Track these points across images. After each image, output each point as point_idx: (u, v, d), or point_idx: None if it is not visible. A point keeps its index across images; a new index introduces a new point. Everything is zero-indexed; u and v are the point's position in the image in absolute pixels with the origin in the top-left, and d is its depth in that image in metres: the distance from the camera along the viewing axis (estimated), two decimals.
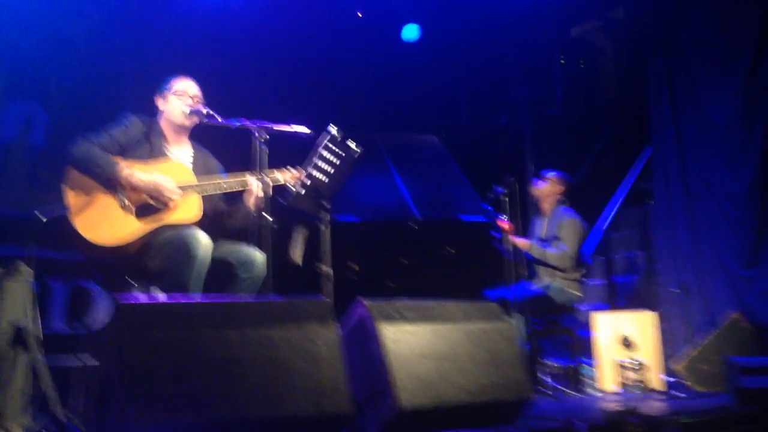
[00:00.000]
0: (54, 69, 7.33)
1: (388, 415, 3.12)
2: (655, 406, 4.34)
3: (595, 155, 9.79)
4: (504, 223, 5.69)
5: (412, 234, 5.52)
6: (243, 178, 4.38)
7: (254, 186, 4.34)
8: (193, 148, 4.62)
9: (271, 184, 4.22)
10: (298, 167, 4.40)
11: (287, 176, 4.45)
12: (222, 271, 4.23)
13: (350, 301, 3.49)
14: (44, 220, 4.01)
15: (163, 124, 4.51)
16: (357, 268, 5.36)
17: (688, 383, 5.36)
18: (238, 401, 2.76)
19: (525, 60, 9.89)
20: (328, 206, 4.25)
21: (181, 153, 4.53)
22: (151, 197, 4.18)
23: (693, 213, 6.85)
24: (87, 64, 7.46)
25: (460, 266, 5.69)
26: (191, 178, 4.35)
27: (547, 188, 6.50)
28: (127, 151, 4.30)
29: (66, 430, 3.11)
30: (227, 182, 4.39)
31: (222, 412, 2.72)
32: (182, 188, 4.25)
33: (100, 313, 6.61)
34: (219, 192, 4.40)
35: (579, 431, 2.87)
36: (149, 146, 4.38)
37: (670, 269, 7.00)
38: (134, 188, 4.14)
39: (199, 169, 4.50)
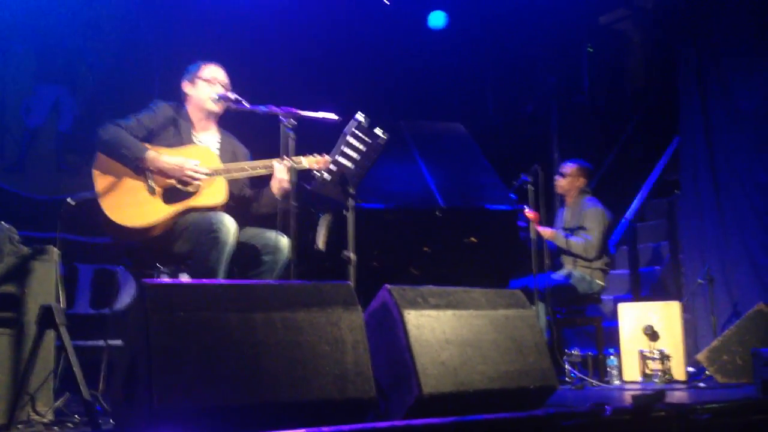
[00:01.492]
0: (83, 55, 7.40)
1: (411, 401, 3.13)
2: (678, 396, 4.32)
3: (621, 144, 9.73)
4: (529, 212, 5.67)
5: (437, 222, 5.50)
6: (267, 162, 4.40)
7: (278, 170, 4.35)
8: (221, 134, 4.64)
9: (296, 168, 4.23)
10: (324, 154, 4.41)
11: (312, 161, 4.46)
12: (246, 255, 4.27)
13: (373, 288, 3.49)
14: (73, 203, 4.05)
15: (191, 109, 4.54)
16: (380, 254, 5.36)
17: (711, 374, 5.33)
18: (262, 383, 2.78)
19: (552, 47, 9.82)
20: (353, 192, 4.25)
21: (208, 138, 4.56)
22: (177, 179, 4.21)
23: (720, 204, 6.80)
24: (115, 50, 7.51)
25: (484, 255, 5.66)
26: (217, 163, 4.38)
27: (567, 182, 6.45)
28: (154, 135, 4.34)
29: (92, 410, 3.15)
30: (251, 165, 4.41)
31: (246, 394, 2.73)
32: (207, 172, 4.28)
33: (125, 295, 6.69)
34: (243, 175, 4.42)
35: (604, 414, 2.86)
36: (177, 131, 4.41)
37: (696, 260, 6.96)
38: (160, 170, 4.17)
39: (227, 155, 4.53)
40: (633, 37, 10.19)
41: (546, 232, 6.06)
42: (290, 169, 4.02)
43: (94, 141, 4.18)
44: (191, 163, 4.22)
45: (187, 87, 4.55)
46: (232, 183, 4.42)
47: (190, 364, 2.67)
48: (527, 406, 3.42)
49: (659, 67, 9.44)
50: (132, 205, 4.09)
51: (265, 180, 4.51)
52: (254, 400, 2.74)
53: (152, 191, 4.16)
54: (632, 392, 3.33)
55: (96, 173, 4.14)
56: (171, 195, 4.20)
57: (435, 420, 2.77)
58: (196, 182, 4.23)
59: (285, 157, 4.03)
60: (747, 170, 6.65)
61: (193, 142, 4.45)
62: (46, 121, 7.24)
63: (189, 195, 4.23)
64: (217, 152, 4.50)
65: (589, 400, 3.25)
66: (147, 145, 4.22)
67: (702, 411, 3.09)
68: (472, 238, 5.62)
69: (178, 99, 4.58)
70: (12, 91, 7.08)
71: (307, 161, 4.47)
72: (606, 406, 2.92)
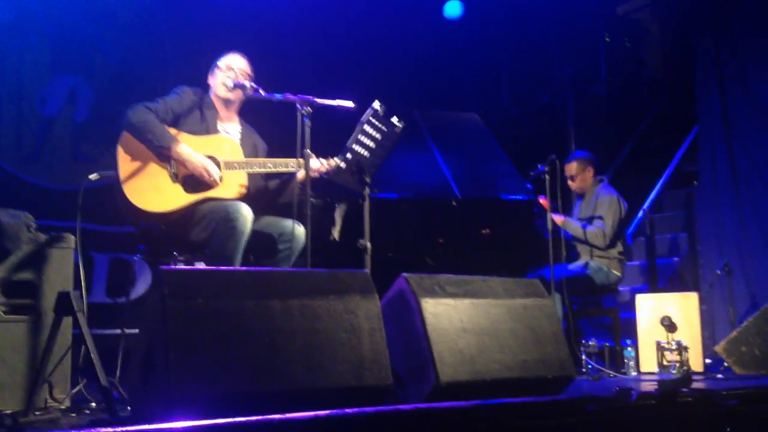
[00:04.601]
0: (98, 45, 7.40)
1: (429, 389, 3.12)
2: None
3: (639, 135, 9.66)
4: (541, 199, 5.60)
5: (452, 212, 5.49)
6: (287, 161, 4.38)
7: (299, 172, 4.35)
8: (242, 125, 4.66)
9: (314, 168, 4.24)
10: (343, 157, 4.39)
11: (332, 164, 4.44)
12: (263, 243, 4.28)
13: (388, 278, 3.47)
14: (97, 177, 4.04)
15: (213, 98, 4.56)
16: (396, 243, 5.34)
17: (729, 365, 5.29)
18: (279, 371, 2.77)
19: (569, 38, 9.76)
20: (369, 181, 4.24)
21: (231, 128, 4.57)
22: (196, 175, 4.21)
23: (738, 194, 6.75)
24: (131, 40, 7.52)
25: (500, 245, 5.64)
26: (240, 156, 4.39)
27: (578, 179, 6.34)
28: (180, 120, 4.36)
29: (109, 397, 3.15)
30: (273, 162, 4.40)
31: (263, 381, 2.74)
32: (229, 164, 4.29)
33: (141, 285, 6.70)
34: (264, 171, 4.43)
35: (629, 399, 2.84)
36: (202, 118, 4.43)
37: (714, 251, 6.92)
38: (183, 163, 4.17)
39: (247, 147, 4.55)
40: (651, 27, 10.12)
41: (558, 219, 6.00)
42: (306, 157, 4.01)
43: (122, 121, 4.17)
44: (211, 166, 4.21)
45: (209, 78, 4.59)
46: (250, 175, 4.42)
47: (207, 350, 2.67)
48: (545, 396, 3.40)
49: (677, 56, 9.39)
50: (153, 190, 4.10)
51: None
52: (271, 386, 2.74)
53: (174, 178, 4.17)
54: (654, 381, 3.31)
55: (120, 152, 4.13)
56: (192, 183, 4.21)
57: (458, 403, 2.76)
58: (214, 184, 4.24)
59: (303, 153, 4.02)
60: (766, 161, 6.60)
61: (219, 132, 4.46)
62: (61, 112, 7.25)
63: (209, 185, 4.23)
64: (239, 143, 4.51)
65: (606, 390, 3.23)
66: (173, 131, 4.23)
67: (729, 397, 3.05)
68: (487, 230, 5.59)
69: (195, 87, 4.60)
70: (28, 81, 7.09)
71: (327, 163, 4.46)
72: (632, 391, 2.90)
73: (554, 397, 3.13)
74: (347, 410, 2.52)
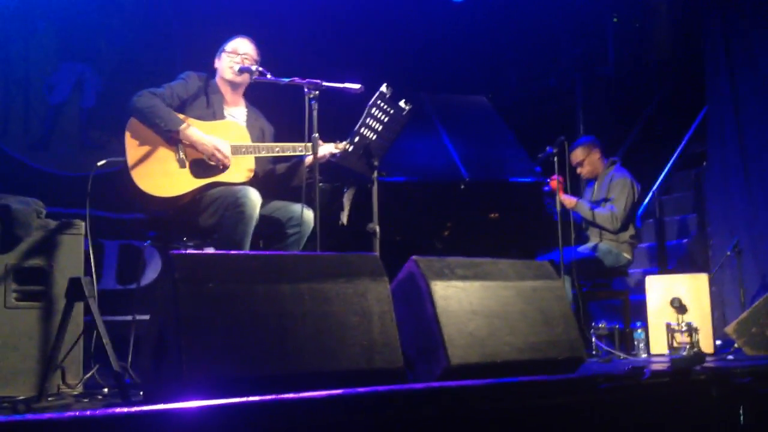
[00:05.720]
0: (105, 31, 7.40)
1: (439, 371, 3.12)
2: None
3: (647, 116, 9.62)
4: (553, 179, 5.56)
5: (461, 194, 5.48)
6: (295, 145, 4.38)
7: (323, 149, 4.34)
8: (248, 108, 4.65)
9: (321, 153, 4.24)
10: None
11: (340, 147, 4.43)
12: (272, 228, 4.28)
13: (397, 261, 3.47)
14: (103, 163, 4.05)
15: (219, 82, 4.56)
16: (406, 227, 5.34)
17: (740, 346, 5.28)
18: (290, 354, 2.78)
19: (576, 18, 9.71)
20: (377, 164, 4.23)
21: (237, 113, 4.57)
22: (206, 156, 4.20)
23: (748, 175, 6.72)
24: (137, 26, 7.51)
25: (509, 228, 5.64)
26: (247, 140, 4.38)
27: (586, 164, 6.30)
28: (186, 105, 4.36)
29: (121, 382, 3.16)
30: (281, 146, 4.40)
31: (274, 364, 2.74)
32: (237, 148, 4.28)
33: (150, 271, 6.72)
34: (272, 155, 4.43)
35: (642, 377, 2.84)
36: (208, 103, 4.42)
37: (723, 232, 6.89)
38: (192, 144, 4.17)
39: (254, 131, 4.54)
40: (659, 7, 10.04)
41: (569, 201, 5.97)
42: (315, 154, 4.01)
43: (128, 107, 4.17)
44: (222, 145, 4.21)
45: (216, 62, 4.58)
46: (257, 159, 4.42)
47: (218, 334, 2.67)
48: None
49: (686, 37, 9.32)
50: (161, 175, 4.10)
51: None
52: (282, 370, 2.74)
53: (182, 163, 4.17)
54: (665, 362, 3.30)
55: (128, 138, 4.13)
56: (200, 168, 4.21)
57: (470, 382, 2.76)
58: (223, 163, 4.23)
59: (311, 138, 4.02)
60: None
61: (225, 116, 4.45)
62: (69, 99, 7.26)
63: (217, 170, 4.23)
64: (245, 126, 4.51)
65: (618, 370, 3.22)
66: (181, 116, 4.23)
67: (742, 374, 3.04)
68: (496, 212, 5.58)
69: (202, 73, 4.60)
70: (35, 68, 7.10)
71: (335, 146, 4.45)
72: (645, 369, 2.90)
73: (566, 375, 3.12)
74: (360, 389, 2.52)
